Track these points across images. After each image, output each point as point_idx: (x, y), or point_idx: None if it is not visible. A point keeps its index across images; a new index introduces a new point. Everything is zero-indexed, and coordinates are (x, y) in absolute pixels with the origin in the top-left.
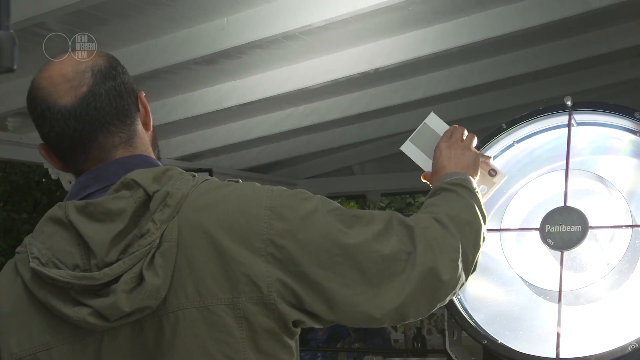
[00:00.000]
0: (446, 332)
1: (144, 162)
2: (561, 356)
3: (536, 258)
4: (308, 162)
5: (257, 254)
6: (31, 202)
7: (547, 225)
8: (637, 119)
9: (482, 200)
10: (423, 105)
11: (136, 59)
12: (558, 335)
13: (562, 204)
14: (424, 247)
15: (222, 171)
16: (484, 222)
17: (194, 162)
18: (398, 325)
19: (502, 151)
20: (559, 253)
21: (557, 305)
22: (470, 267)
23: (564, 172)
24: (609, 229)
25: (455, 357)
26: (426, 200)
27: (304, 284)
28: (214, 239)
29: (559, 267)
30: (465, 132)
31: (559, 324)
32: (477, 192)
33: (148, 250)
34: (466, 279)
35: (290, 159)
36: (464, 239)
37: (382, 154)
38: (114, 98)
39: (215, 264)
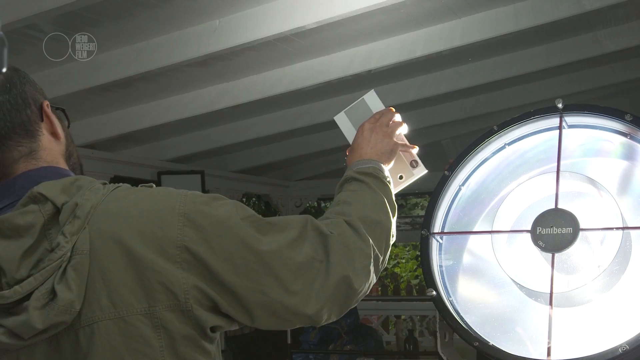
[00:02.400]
0: (438, 335)
1: (52, 173)
2: (552, 358)
3: (527, 260)
4: (300, 164)
5: (171, 261)
6: None
7: (538, 228)
8: (628, 121)
9: (397, 189)
10: (416, 107)
11: (128, 60)
12: (549, 337)
13: (553, 206)
14: (338, 256)
15: (214, 173)
16: (394, 214)
17: (187, 164)
18: (390, 327)
19: (494, 153)
20: (550, 255)
21: (548, 307)
22: (380, 268)
23: (555, 174)
24: (600, 231)
25: (447, 359)
26: (338, 188)
27: (219, 290)
28: (127, 247)
29: (550, 269)
30: (397, 117)
31: (550, 326)
32: (388, 181)
33: (59, 264)
34: (376, 279)
35: (283, 161)
36: (376, 242)
37: None
38: (9, 112)
39: (129, 274)
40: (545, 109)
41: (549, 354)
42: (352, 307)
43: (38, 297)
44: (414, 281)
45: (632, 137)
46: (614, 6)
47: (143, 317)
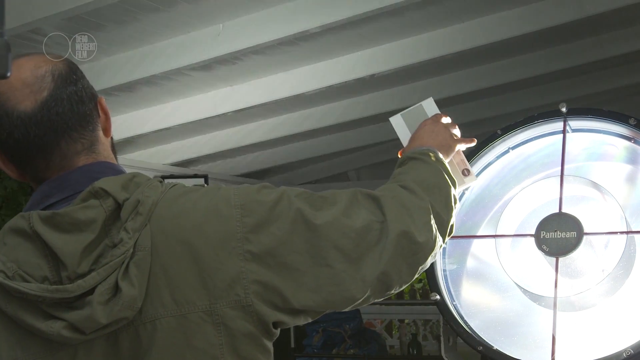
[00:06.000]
0: (442, 339)
1: (108, 168)
2: None
3: (531, 264)
4: (303, 168)
5: (233, 254)
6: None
7: (542, 232)
8: (631, 125)
9: None
10: None
11: (132, 64)
12: (553, 341)
13: (557, 210)
14: (394, 214)
15: (217, 177)
16: (454, 186)
17: (190, 168)
18: (393, 331)
19: (497, 157)
20: (554, 259)
21: (552, 311)
22: (446, 229)
23: (559, 178)
24: (604, 235)
25: None
26: (395, 170)
27: (284, 274)
28: (189, 245)
29: (554, 273)
30: (457, 129)
31: (554, 330)
32: (445, 162)
33: (122, 260)
34: (444, 241)
35: (286, 165)
36: (434, 201)
37: (377, 160)
38: (76, 103)
39: (191, 271)
40: (549, 113)
41: (553, 358)
42: (425, 265)
43: (102, 292)
44: (417, 285)
45: (636, 141)
46: (617, 10)
47: (204, 315)
